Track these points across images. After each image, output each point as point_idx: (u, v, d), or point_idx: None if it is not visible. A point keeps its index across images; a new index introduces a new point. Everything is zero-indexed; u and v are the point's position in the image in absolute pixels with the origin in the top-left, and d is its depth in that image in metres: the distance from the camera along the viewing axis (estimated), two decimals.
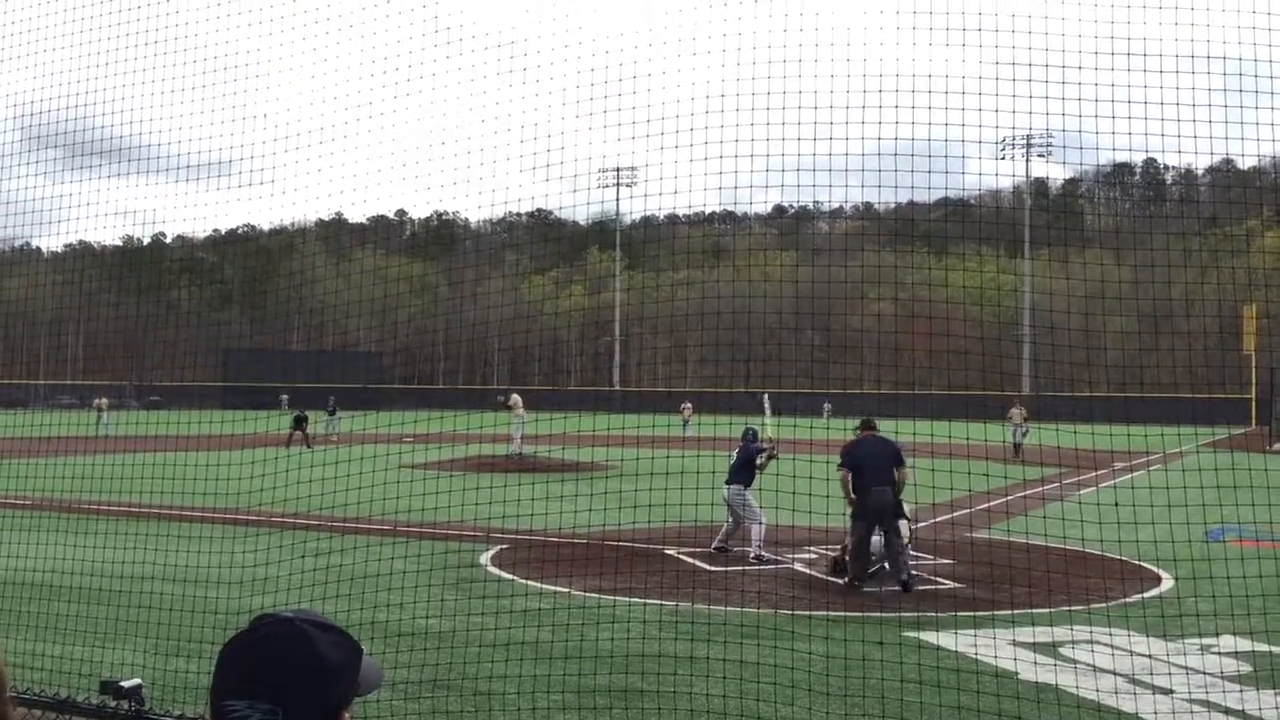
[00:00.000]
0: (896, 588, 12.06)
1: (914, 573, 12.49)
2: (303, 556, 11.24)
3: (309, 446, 31.52)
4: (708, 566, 13.40)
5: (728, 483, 14.49)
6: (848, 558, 12.60)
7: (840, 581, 12.41)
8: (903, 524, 12.52)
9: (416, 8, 9.27)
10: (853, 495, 12.48)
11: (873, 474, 12.37)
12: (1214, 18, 8.78)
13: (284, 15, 9.33)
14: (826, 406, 54.11)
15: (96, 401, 47.67)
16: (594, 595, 11.22)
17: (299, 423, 35.57)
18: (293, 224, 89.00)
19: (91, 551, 10.95)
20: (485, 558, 13.75)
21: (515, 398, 32.57)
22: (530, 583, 12.06)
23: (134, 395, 72.85)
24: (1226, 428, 45.82)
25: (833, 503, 12.31)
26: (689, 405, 48.92)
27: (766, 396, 16.08)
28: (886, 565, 12.63)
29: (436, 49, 9.49)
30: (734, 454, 14.83)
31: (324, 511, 14.45)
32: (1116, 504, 11.80)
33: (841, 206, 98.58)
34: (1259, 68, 9.15)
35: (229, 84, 9.99)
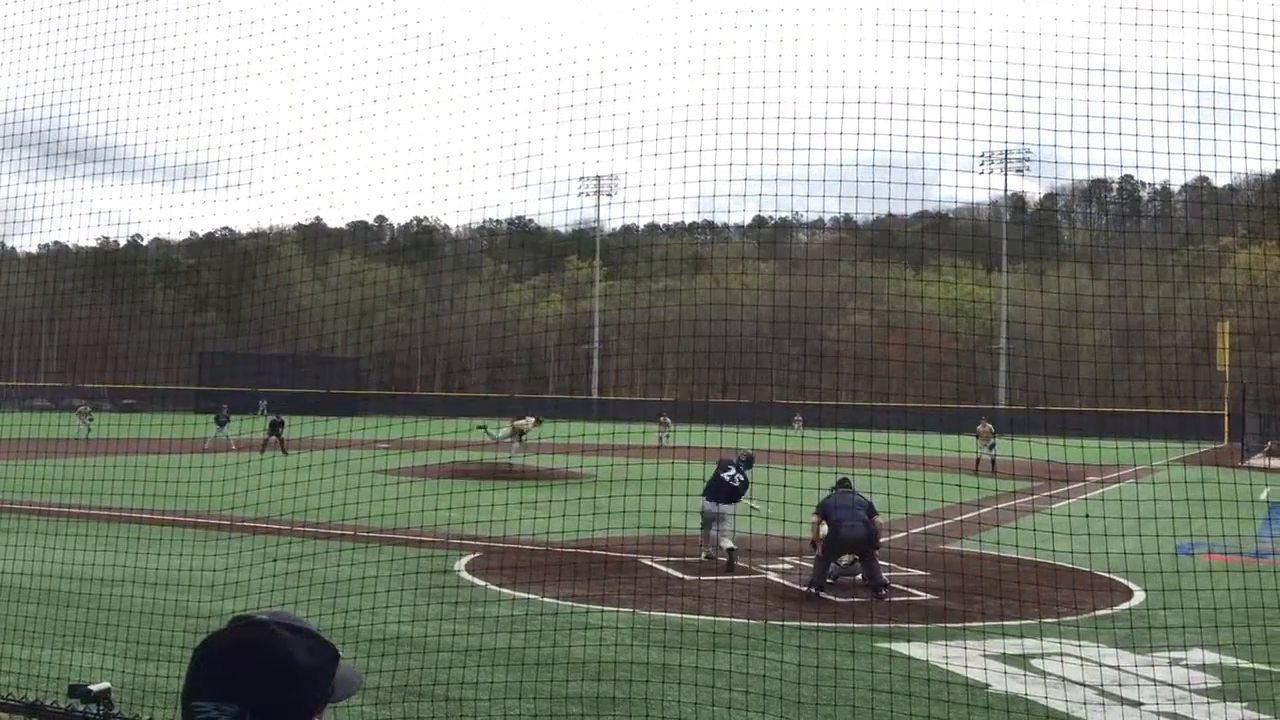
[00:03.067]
0: (868, 598, 12.11)
1: (890, 584, 12.59)
2: (274, 560, 11.19)
3: (284, 451, 31.33)
4: (681, 575, 13.41)
5: (718, 500, 14.36)
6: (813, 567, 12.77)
7: (807, 590, 12.44)
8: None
9: (398, 13, 9.29)
10: (820, 538, 12.77)
11: (844, 514, 12.63)
12: (1188, 36, 8.90)
13: (263, 19, 9.32)
14: (797, 419, 54.02)
15: (80, 405, 47.50)
16: (567, 603, 11.20)
17: (275, 427, 35.37)
18: (271, 227, 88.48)
19: (61, 554, 10.86)
20: (459, 564, 13.72)
21: (529, 420, 32.48)
22: (503, 590, 12.04)
23: (108, 398, 72.29)
24: (1198, 443, 46.24)
25: (805, 511, 12.36)
26: (667, 417, 48.80)
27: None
28: (860, 577, 12.72)
29: (417, 54, 9.50)
30: (720, 467, 14.73)
31: (296, 516, 14.36)
32: (1087, 516, 11.88)
33: (821, 218, 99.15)
34: (1231, 85, 9.27)
35: (206, 86, 9.96)
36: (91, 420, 44.29)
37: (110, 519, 15.97)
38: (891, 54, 9.26)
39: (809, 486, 12.69)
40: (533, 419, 32.85)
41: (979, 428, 33.93)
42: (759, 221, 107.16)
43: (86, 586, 10.41)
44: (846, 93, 8.91)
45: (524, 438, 31.97)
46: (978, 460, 31.72)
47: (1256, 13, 8.78)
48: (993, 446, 32.52)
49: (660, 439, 43.43)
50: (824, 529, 12.85)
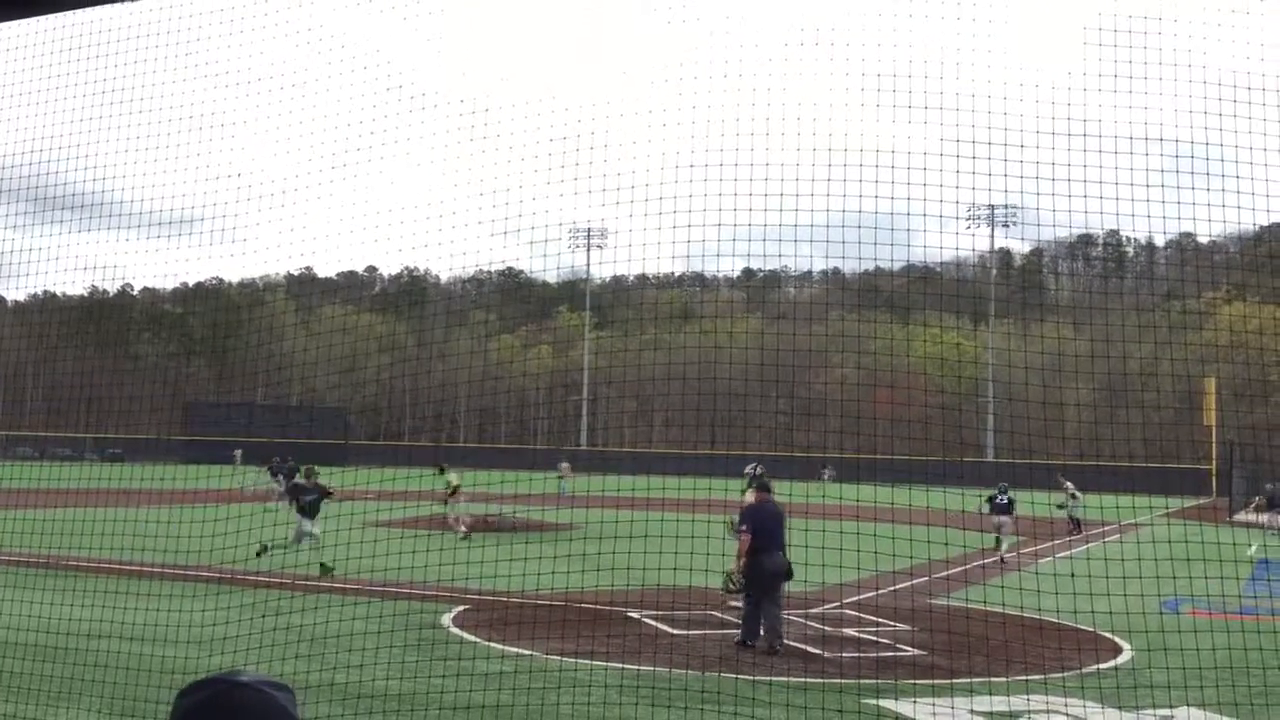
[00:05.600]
0: (855, 651, 12.08)
1: (784, 640, 12.29)
2: (262, 616, 11.16)
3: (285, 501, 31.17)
4: (670, 629, 13.39)
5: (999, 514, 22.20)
6: (742, 624, 12.53)
7: (740, 643, 12.25)
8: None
9: (393, 73, 9.46)
10: (745, 559, 12.50)
11: (771, 538, 12.41)
12: (1166, 101, 9.12)
13: (259, 78, 9.49)
14: (827, 471, 52.99)
15: None
16: (555, 658, 11.17)
17: (289, 475, 34.87)
18: (261, 278, 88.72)
19: (43, 608, 10.83)
20: (447, 618, 13.66)
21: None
22: (492, 644, 12.00)
23: (93, 448, 71.87)
24: (1181, 498, 46.27)
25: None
26: (567, 464, 47.45)
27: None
28: (762, 630, 12.46)
29: (411, 114, 9.67)
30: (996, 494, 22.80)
31: (285, 570, 14.33)
32: (1073, 575, 11.92)
33: (810, 271, 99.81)
34: (1209, 150, 9.50)
35: (198, 141, 10.11)
36: None
37: (94, 571, 15.89)
38: (877, 116, 9.47)
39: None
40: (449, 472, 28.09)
41: (1067, 484, 32.54)
42: (748, 274, 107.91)
43: (69, 641, 10.35)
44: (833, 155, 9.11)
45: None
46: (1070, 520, 30.76)
47: (1233, 80, 9.02)
48: (1063, 505, 31.56)
49: (559, 488, 41.88)
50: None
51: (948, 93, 8.97)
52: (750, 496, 14.18)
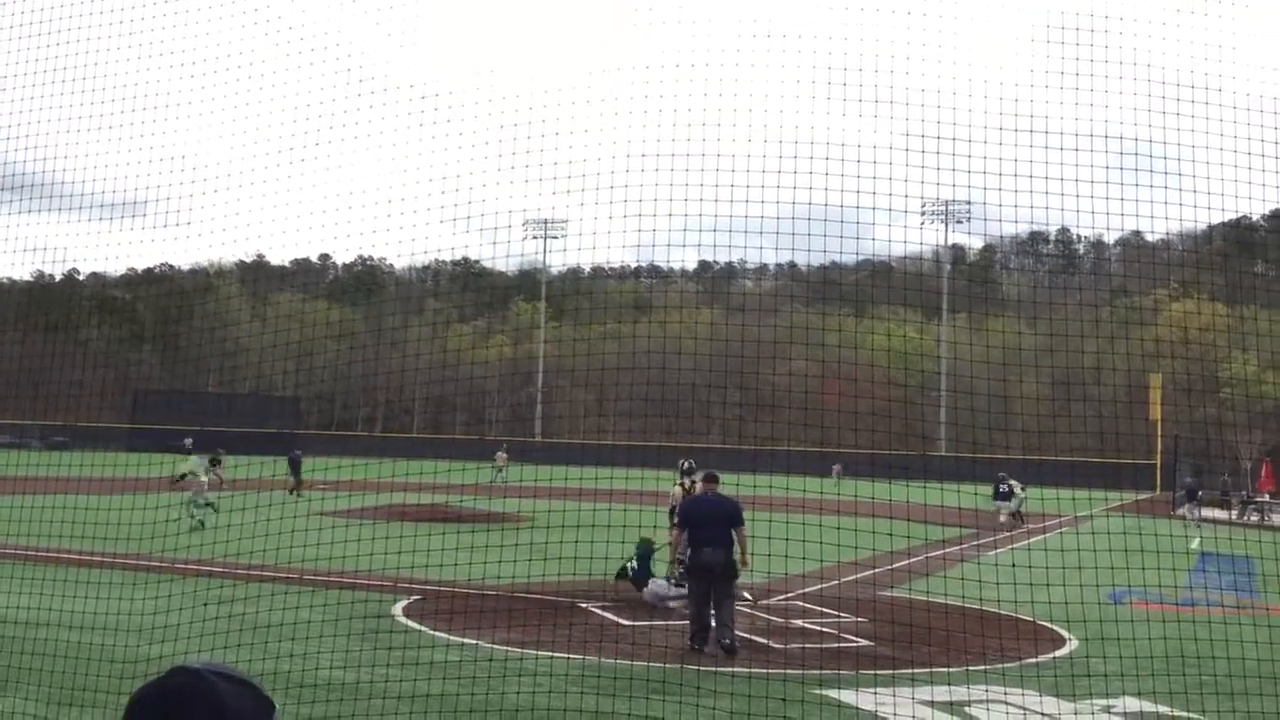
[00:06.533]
0: (800, 643, 12.15)
1: (737, 639, 11.73)
2: (205, 604, 11.05)
3: (297, 491, 30.87)
4: (619, 620, 13.41)
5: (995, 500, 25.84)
6: (688, 621, 12.04)
7: (692, 646, 11.65)
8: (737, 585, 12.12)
9: (341, 57, 9.37)
10: (683, 555, 12.19)
11: (706, 532, 11.80)
12: (1120, 99, 9.24)
13: (205, 59, 9.36)
14: (836, 468, 52.77)
15: None
16: (503, 648, 11.15)
17: (295, 465, 34.32)
18: (211, 265, 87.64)
19: None
20: (396, 608, 13.59)
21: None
22: (439, 634, 11.95)
23: (37, 435, 70.56)
24: (1121, 492, 46.95)
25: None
26: (504, 453, 46.55)
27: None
28: (712, 624, 11.81)
29: (360, 98, 9.59)
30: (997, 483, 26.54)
31: (230, 558, 14.18)
32: (1014, 565, 12.07)
33: (766, 265, 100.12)
34: (1151, 149, 9.64)
35: (147, 124, 9.96)
36: None
37: (35, 560, 15.63)
38: (828, 110, 9.51)
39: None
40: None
41: (1010, 481, 32.62)
42: (704, 266, 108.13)
43: (9, 629, 10.19)
44: (787, 148, 9.15)
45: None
46: (1013, 514, 31.06)
47: (1177, 79, 9.16)
48: (1023, 499, 31.83)
49: (493, 477, 41.66)
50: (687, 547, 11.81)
51: (900, 87, 9.04)
52: (678, 488, 14.15)
